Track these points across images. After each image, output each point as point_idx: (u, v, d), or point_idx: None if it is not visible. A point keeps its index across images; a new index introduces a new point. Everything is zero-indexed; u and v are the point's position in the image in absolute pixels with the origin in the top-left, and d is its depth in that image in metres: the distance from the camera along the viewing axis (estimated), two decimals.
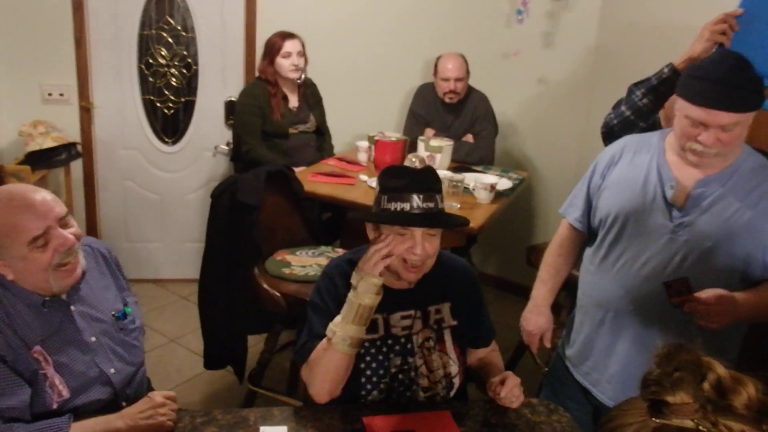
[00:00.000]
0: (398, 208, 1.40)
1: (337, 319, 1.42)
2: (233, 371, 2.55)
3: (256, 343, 2.75)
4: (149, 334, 3.14)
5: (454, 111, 3.37)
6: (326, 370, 1.43)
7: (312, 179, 2.83)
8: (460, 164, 3.15)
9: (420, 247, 1.41)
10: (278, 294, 2.27)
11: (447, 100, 3.31)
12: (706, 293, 1.47)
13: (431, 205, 1.41)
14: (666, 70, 1.79)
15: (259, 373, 2.51)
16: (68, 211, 1.40)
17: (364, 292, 1.39)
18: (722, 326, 1.50)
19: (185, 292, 3.56)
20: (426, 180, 1.42)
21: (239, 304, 2.36)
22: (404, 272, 1.46)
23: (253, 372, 2.52)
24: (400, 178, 1.42)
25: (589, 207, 1.78)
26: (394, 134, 3.14)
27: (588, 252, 1.79)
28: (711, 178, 1.56)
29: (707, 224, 1.54)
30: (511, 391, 1.45)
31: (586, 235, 1.82)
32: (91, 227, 3.56)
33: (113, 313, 1.53)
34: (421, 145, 3.06)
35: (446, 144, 3.04)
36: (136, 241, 3.65)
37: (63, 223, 1.37)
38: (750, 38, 1.55)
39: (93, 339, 1.46)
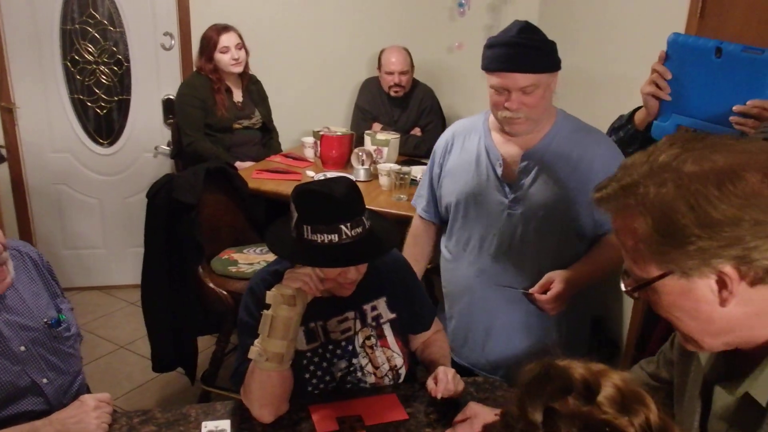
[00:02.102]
0: (326, 240, 1.27)
1: (264, 336, 1.33)
2: (184, 373, 2.50)
3: (210, 345, 2.70)
4: (97, 342, 3.05)
5: (400, 105, 3.37)
6: (260, 391, 1.35)
7: (257, 176, 2.79)
8: (408, 158, 3.16)
9: (354, 273, 1.36)
10: (225, 292, 2.23)
11: (392, 93, 3.31)
12: (544, 297, 1.61)
13: (359, 230, 1.29)
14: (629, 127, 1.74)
15: (212, 373, 2.46)
16: None
17: (276, 304, 1.29)
18: (561, 309, 1.64)
19: (134, 298, 3.44)
20: (351, 203, 1.30)
21: (185, 305, 2.31)
22: (339, 291, 1.41)
23: (207, 372, 2.48)
24: (323, 204, 1.28)
25: (433, 197, 1.86)
26: (340, 129, 3.13)
27: (443, 241, 1.86)
28: (533, 150, 1.65)
29: (537, 194, 1.64)
30: (445, 388, 1.41)
31: (437, 225, 1.89)
32: (25, 235, 3.39)
33: (45, 320, 1.46)
34: (367, 140, 3.06)
35: (393, 137, 3.05)
36: (76, 248, 3.52)
37: None
38: (687, 86, 1.46)
39: (22, 348, 1.39)
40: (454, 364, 1.78)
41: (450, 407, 1.43)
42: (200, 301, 2.31)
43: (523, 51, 1.53)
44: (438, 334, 1.66)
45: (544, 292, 1.62)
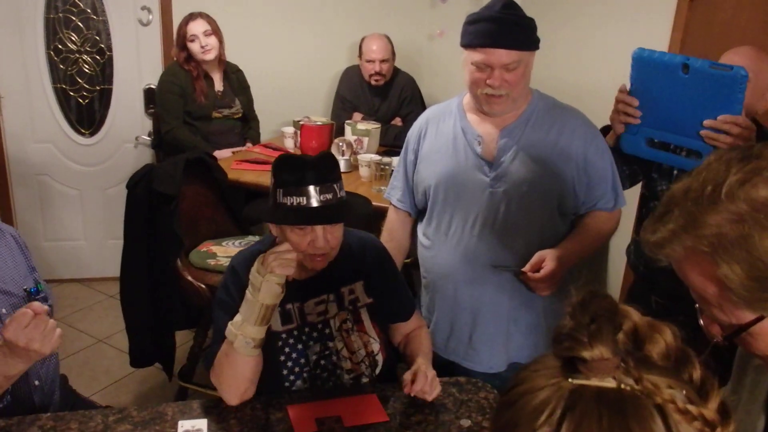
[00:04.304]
0: (294, 203, 1.32)
1: (237, 319, 1.35)
2: (162, 368, 2.47)
3: (187, 340, 2.67)
4: (76, 335, 3.01)
5: (381, 94, 3.35)
6: (234, 373, 1.37)
7: (236, 167, 2.76)
8: (389, 148, 3.14)
9: (321, 240, 1.35)
10: (203, 286, 2.21)
11: (373, 82, 3.28)
12: (537, 275, 1.57)
13: (329, 196, 1.33)
14: None
15: (189, 368, 2.44)
16: None
17: (267, 292, 1.31)
18: (553, 289, 1.62)
19: (113, 291, 3.40)
20: (322, 169, 1.34)
21: (163, 299, 2.28)
22: (310, 263, 1.41)
23: (184, 368, 2.45)
24: (295, 169, 1.33)
25: (408, 186, 1.84)
26: (320, 119, 3.10)
27: (420, 228, 1.83)
28: (511, 127, 1.64)
29: (518, 171, 1.63)
30: (421, 389, 1.39)
31: (412, 215, 1.87)
32: None
33: (25, 287, 1.49)
34: (348, 129, 3.03)
35: (374, 127, 3.03)
36: (57, 239, 3.48)
37: None
38: (655, 100, 1.47)
39: (3, 311, 1.41)
40: (440, 361, 1.77)
41: (432, 410, 1.42)
42: (179, 294, 2.28)
43: (508, 27, 1.52)
44: (421, 330, 1.65)
45: (536, 272, 1.60)
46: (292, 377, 1.47)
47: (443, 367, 1.76)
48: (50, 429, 1.31)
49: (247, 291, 1.34)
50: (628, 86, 1.50)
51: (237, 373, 1.37)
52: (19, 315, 1.22)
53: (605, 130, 1.68)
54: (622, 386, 0.56)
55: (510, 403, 0.60)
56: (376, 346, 1.53)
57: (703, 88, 1.35)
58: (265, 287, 1.30)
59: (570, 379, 0.58)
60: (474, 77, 1.57)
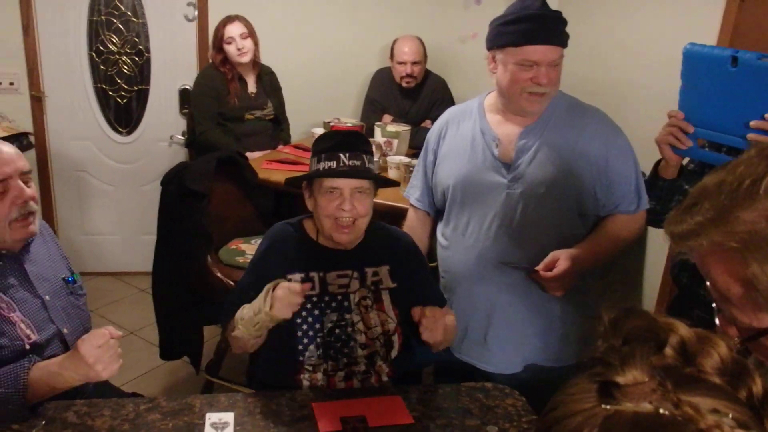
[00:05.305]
0: (326, 166, 1.46)
1: (244, 312, 1.42)
2: (190, 362, 2.52)
3: (215, 335, 2.72)
4: (107, 326, 3.08)
5: (411, 96, 3.35)
6: (238, 342, 1.49)
7: (266, 167, 2.79)
8: (418, 150, 3.14)
9: (348, 203, 1.46)
10: (232, 283, 2.24)
11: (404, 84, 3.29)
12: (549, 274, 1.55)
13: (357, 162, 1.47)
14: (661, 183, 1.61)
15: (216, 363, 2.48)
16: (30, 171, 1.44)
17: (261, 321, 1.38)
18: (566, 289, 1.59)
19: (144, 285, 3.48)
20: (353, 141, 1.50)
21: (193, 294, 2.33)
22: (336, 233, 1.49)
23: (211, 362, 2.50)
24: (329, 139, 1.51)
25: (427, 186, 1.84)
26: (350, 120, 3.12)
27: (439, 228, 1.83)
28: (530, 128, 1.63)
29: (536, 172, 1.61)
30: (433, 327, 1.42)
31: (431, 215, 1.88)
32: (47, 220, 3.45)
33: (63, 276, 1.55)
34: (378, 131, 3.04)
35: (403, 130, 3.03)
36: (93, 233, 3.58)
37: (24, 178, 1.41)
38: (703, 97, 1.39)
39: (47, 298, 1.47)
40: (455, 362, 1.77)
41: (458, 414, 1.42)
42: (207, 290, 2.32)
43: (552, 23, 1.53)
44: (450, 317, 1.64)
45: (549, 271, 1.58)
46: (305, 340, 1.51)
47: (458, 368, 1.77)
48: (84, 414, 1.35)
49: (255, 303, 1.39)
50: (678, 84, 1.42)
51: (240, 343, 1.48)
52: (96, 333, 1.27)
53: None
54: (661, 410, 0.51)
55: (546, 428, 0.58)
56: (392, 326, 1.55)
57: (751, 83, 1.31)
58: (261, 318, 1.37)
59: (603, 405, 0.54)
60: (517, 77, 1.56)
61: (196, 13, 3.11)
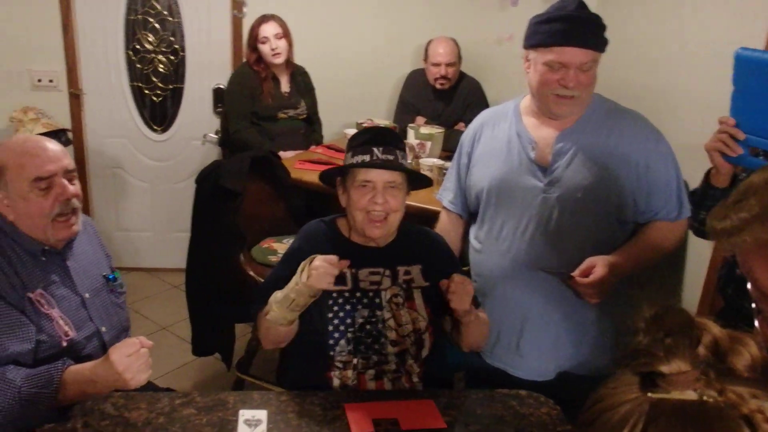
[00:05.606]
0: (359, 160, 1.48)
1: (278, 294, 1.43)
2: (221, 358, 2.54)
3: (246, 332, 2.74)
4: (141, 321, 3.14)
5: (445, 98, 3.33)
6: (267, 332, 1.49)
7: (299, 167, 2.80)
8: (450, 153, 3.11)
9: (381, 196, 1.47)
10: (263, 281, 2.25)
11: (438, 86, 3.27)
12: (586, 280, 1.52)
13: (390, 157, 1.48)
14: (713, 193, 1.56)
15: (247, 361, 2.49)
16: (76, 170, 1.46)
17: (298, 293, 1.38)
18: (602, 297, 1.56)
19: (177, 281, 3.53)
20: (387, 136, 1.52)
21: (225, 292, 2.35)
22: (368, 227, 1.50)
23: (242, 360, 2.51)
24: (363, 135, 1.54)
25: (460, 188, 1.83)
26: (384, 121, 3.11)
27: (472, 231, 1.81)
28: (568, 132, 1.60)
29: (573, 176, 1.58)
30: (461, 295, 1.41)
31: (464, 218, 1.86)
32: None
33: (104, 273, 1.58)
34: (411, 133, 3.03)
35: (437, 132, 3.01)
36: (127, 229, 3.64)
37: (69, 176, 1.43)
38: (755, 104, 1.35)
39: (87, 295, 1.49)
40: (486, 368, 1.76)
41: (492, 421, 1.40)
42: (240, 288, 2.34)
43: (584, 26, 1.51)
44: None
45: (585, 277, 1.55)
46: (336, 335, 1.51)
47: (490, 374, 1.75)
48: (122, 407, 1.37)
49: (293, 279, 1.40)
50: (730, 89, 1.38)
51: (270, 333, 1.48)
52: (127, 342, 1.28)
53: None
54: (704, 398, 0.55)
55: (590, 422, 0.60)
56: (423, 325, 1.54)
57: None
58: (298, 289, 1.38)
59: (649, 394, 0.57)
60: (545, 78, 1.55)
61: (246, 10, 3.13)
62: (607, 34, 1.57)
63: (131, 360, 1.24)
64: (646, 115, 1.69)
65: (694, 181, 1.57)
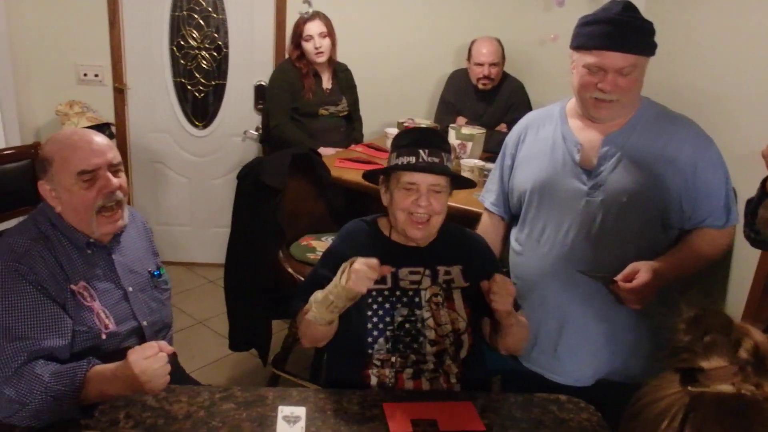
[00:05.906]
0: (405, 162, 1.47)
1: (318, 295, 1.41)
2: (257, 354, 2.55)
3: (282, 329, 2.75)
4: (178, 315, 3.17)
5: (487, 99, 3.28)
6: (306, 331, 1.47)
7: (339, 165, 2.80)
8: (492, 155, 3.07)
9: (424, 199, 1.46)
10: (302, 278, 2.25)
11: (480, 86, 3.23)
12: (628, 285, 1.48)
13: (436, 159, 1.47)
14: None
15: (282, 357, 2.50)
16: (121, 163, 1.47)
17: (337, 296, 1.36)
18: (645, 303, 1.53)
19: (214, 276, 3.58)
20: (432, 138, 1.50)
21: (263, 288, 2.35)
22: (410, 228, 1.49)
23: (278, 356, 2.52)
24: (409, 135, 1.52)
25: (503, 190, 1.81)
26: (425, 121, 3.08)
27: (513, 233, 1.79)
28: (614, 135, 1.57)
29: (619, 180, 1.55)
30: (499, 288, 1.39)
31: (505, 220, 1.84)
32: None
33: (149, 269, 1.59)
34: (452, 133, 2.99)
35: (478, 132, 2.97)
36: (167, 224, 3.69)
37: (114, 170, 1.44)
38: None
39: (130, 289, 1.51)
40: (523, 372, 1.73)
41: (531, 425, 1.37)
42: (278, 284, 2.34)
43: (625, 30, 1.47)
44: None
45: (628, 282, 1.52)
46: (375, 333, 1.50)
47: (526, 377, 1.73)
48: (162, 399, 1.38)
49: (333, 281, 1.38)
50: None
51: (309, 332, 1.46)
52: (147, 345, 1.27)
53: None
54: (742, 391, 0.58)
55: (634, 416, 0.64)
56: (462, 325, 1.52)
57: None
58: (337, 292, 1.36)
59: (689, 388, 0.61)
60: (584, 80, 1.54)
61: (311, 9, 3.14)
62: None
63: (149, 362, 1.23)
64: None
65: (751, 190, 1.51)
